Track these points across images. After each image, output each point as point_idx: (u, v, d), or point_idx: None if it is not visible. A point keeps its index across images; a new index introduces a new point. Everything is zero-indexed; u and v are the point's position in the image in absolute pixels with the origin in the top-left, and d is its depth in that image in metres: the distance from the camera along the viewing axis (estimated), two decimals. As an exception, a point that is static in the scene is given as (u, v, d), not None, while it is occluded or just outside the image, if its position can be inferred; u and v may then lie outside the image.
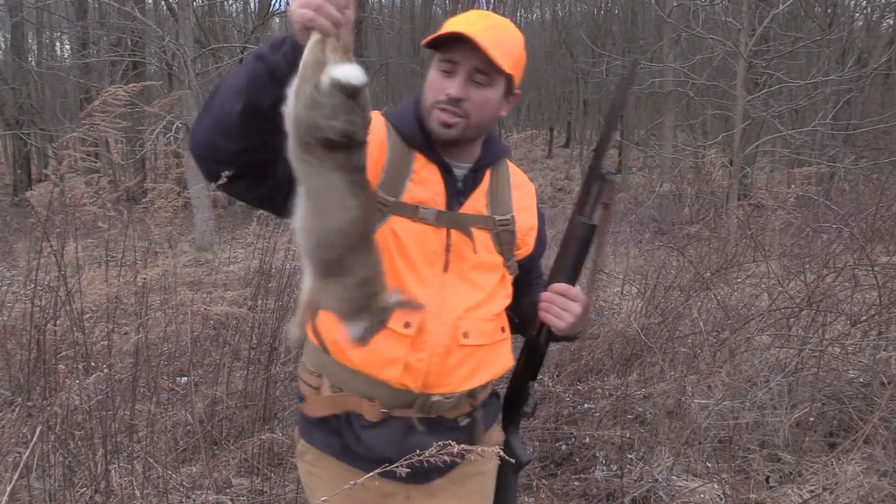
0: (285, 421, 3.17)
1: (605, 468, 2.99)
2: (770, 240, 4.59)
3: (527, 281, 1.45)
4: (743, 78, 8.07)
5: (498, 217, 1.33)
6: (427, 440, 1.18)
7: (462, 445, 1.11)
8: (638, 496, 2.78)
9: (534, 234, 1.42)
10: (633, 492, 2.78)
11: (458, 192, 1.30)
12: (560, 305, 1.33)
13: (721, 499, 2.67)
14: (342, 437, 1.30)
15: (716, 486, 2.73)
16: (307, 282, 1.07)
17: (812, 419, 3.21)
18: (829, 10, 12.60)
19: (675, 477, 2.88)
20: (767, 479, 2.91)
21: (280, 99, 0.97)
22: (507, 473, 1.49)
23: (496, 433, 1.48)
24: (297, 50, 0.97)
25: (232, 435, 3.03)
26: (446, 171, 1.29)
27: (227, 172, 1.12)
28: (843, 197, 7.03)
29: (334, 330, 1.23)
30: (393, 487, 1.31)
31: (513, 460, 1.45)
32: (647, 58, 11.43)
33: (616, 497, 2.77)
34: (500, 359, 1.36)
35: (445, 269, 1.27)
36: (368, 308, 1.06)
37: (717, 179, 7.75)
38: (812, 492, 2.67)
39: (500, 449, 1.16)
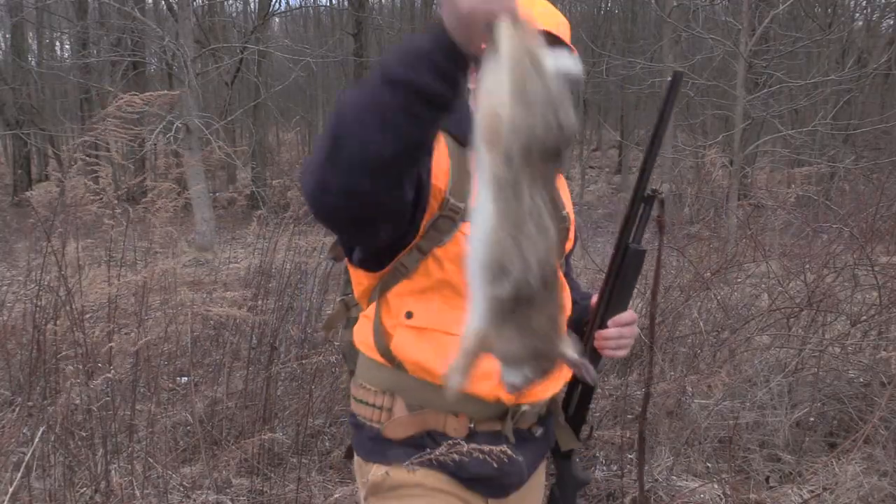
0: (285, 421, 3.17)
1: (605, 468, 2.99)
2: (770, 240, 4.59)
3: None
4: (743, 78, 8.08)
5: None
6: (517, 452, 1.17)
7: (468, 446, 1.13)
8: (638, 496, 2.78)
9: (573, 227, 1.40)
10: (633, 492, 2.78)
11: None
12: (619, 336, 1.31)
13: (721, 499, 2.67)
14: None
15: (716, 486, 2.73)
16: (475, 323, 0.87)
17: (812, 419, 3.21)
18: (829, 10, 12.60)
19: (675, 477, 2.88)
20: (767, 479, 2.91)
21: (438, 122, 0.86)
22: (567, 492, 1.47)
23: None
24: (460, 60, 0.80)
25: (232, 435, 3.03)
26: None
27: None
28: (843, 197, 7.03)
29: (418, 353, 1.17)
30: (476, 500, 1.28)
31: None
32: (647, 58, 11.42)
33: (616, 497, 2.77)
34: None
35: None
36: (545, 354, 0.89)
37: (717, 179, 7.75)
38: (812, 492, 2.67)
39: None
